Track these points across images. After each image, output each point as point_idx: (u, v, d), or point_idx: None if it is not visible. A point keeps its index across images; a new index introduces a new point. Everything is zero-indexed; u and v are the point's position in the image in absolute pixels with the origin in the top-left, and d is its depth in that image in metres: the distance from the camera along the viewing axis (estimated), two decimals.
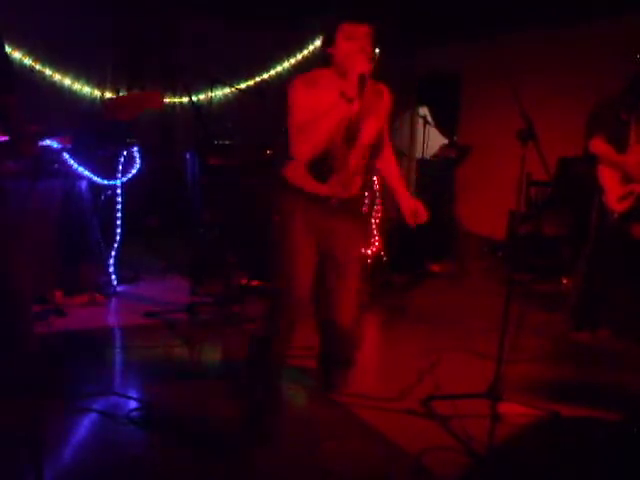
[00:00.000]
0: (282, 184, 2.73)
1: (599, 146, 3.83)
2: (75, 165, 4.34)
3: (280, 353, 2.88)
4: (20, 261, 2.69)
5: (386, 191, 5.67)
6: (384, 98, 2.68)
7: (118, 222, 4.67)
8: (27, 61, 6.15)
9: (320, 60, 2.60)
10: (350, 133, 2.55)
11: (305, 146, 2.48)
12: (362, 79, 2.35)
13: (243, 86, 7.33)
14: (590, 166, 3.93)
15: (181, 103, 7.22)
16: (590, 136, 3.84)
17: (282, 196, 2.75)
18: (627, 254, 3.91)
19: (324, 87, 2.48)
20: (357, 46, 2.40)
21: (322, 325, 2.96)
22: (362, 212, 2.97)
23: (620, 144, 3.80)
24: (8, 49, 5.85)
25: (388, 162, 2.90)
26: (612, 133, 3.79)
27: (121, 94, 6.44)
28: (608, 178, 3.85)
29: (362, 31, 2.44)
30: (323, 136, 2.44)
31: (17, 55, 6.05)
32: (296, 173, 2.64)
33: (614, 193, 3.83)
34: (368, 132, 2.61)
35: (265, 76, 7.66)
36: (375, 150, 2.77)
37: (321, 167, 2.56)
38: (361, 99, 2.42)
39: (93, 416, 2.73)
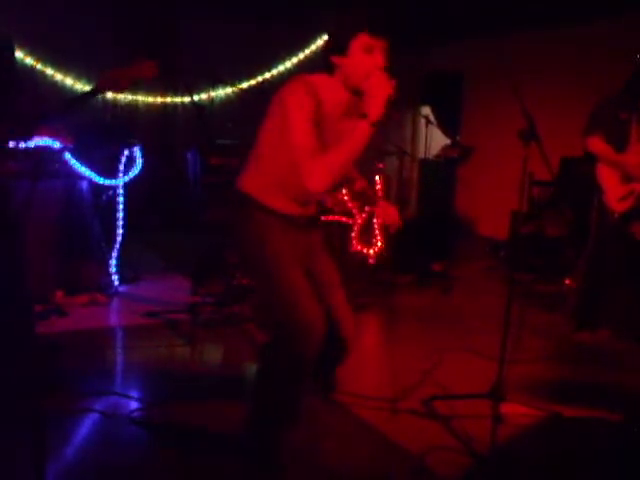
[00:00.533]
0: (248, 204, 2.37)
1: (597, 145, 3.82)
2: (76, 165, 4.34)
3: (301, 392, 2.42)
4: (24, 261, 2.69)
5: (387, 192, 5.67)
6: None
7: (119, 222, 4.67)
8: (28, 61, 6.16)
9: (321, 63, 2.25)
10: None
11: (326, 177, 2.09)
12: (389, 104, 2.02)
13: (245, 86, 7.33)
14: (590, 166, 3.92)
15: (182, 103, 7.22)
16: (587, 134, 3.84)
17: (252, 219, 2.36)
18: (628, 254, 3.90)
19: (330, 102, 2.18)
20: (377, 61, 2.12)
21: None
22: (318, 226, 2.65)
23: (619, 143, 3.79)
24: None
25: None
26: (611, 132, 3.78)
27: (119, 96, 6.44)
28: (607, 178, 3.84)
29: (382, 45, 2.14)
30: (347, 165, 2.13)
31: (19, 55, 6.05)
32: (264, 190, 2.33)
33: (614, 193, 3.82)
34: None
35: (267, 75, 7.66)
36: None
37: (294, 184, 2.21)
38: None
39: (94, 416, 2.73)
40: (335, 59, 2.17)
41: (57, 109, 2.72)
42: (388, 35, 2.15)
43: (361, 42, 2.13)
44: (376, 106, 2.02)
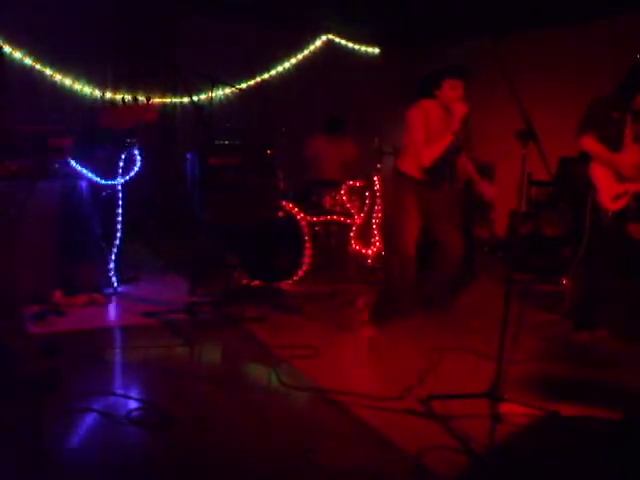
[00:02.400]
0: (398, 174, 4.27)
1: (590, 143, 3.83)
2: (76, 165, 4.34)
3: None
4: (13, 261, 2.71)
5: (385, 191, 5.68)
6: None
7: (118, 222, 4.67)
8: (28, 61, 6.16)
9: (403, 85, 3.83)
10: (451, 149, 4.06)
11: (429, 157, 4.02)
12: (464, 119, 3.96)
13: (244, 86, 7.34)
14: (585, 165, 3.93)
15: (182, 103, 7.23)
16: (581, 134, 3.84)
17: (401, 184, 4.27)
18: (625, 254, 3.91)
19: (433, 115, 4.04)
20: (458, 94, 3.94)
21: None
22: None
23: (613, 144, 3.80)
24: (8, 49, 5.90)
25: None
26: (604, 132, 3.79)
27: (117, 97, 6.44)
28: (601, 177, 3.85)
29: (461, 83, 3.96)
30: (439, 154, 4.01)
31: (17, 55, 6.06)
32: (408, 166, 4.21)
33: (607, 192, 3.83)
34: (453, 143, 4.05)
35: (266, 76, 7.66)
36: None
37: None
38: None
39: (93, 416, 2.73)
40: (435, 91, 4.03)
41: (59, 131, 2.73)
42: (464, 78, 3.97)
43: (449, 83, 3.97)
44: (455, 122, 3.93)
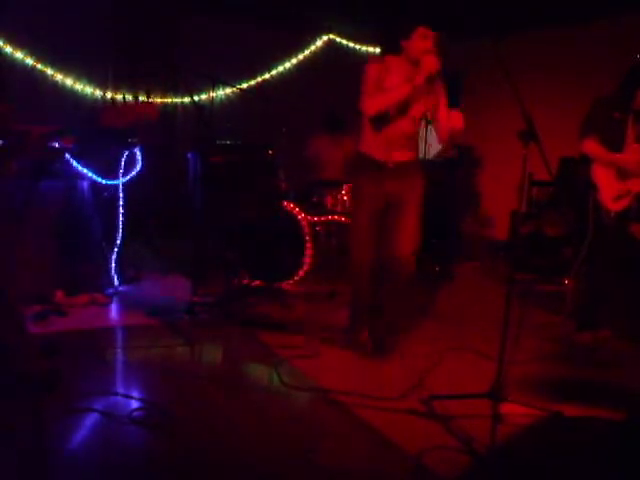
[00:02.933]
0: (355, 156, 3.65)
1: (592, 147, 3.84)
2: (77, 165, 4.34)
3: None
4: (14, 261, 2.70)
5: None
6: (437, 92, 3.49)
7: (119, 222, 4.67)
8: (29, 61, 6.16)
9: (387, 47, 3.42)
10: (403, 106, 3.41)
11: (375, 105, 3.34)
12: (430, 76, 3.29)
13: (244, 86, 7.33)
14: (587, 165, 3.93)
15: (182, 103, 7.23)
16: (583, 137, 3.85)
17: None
18: (627, 254, 3.91)
19: (395, 70, 3.40)
20: (428, 45, 3.32)
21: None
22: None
23: (615, 144, 3.80)
24: (9, 49, 5.90)
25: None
26: (606, 133, 3.79)
27: (118, 97, 6.44)
28: (602, 177, 3.85)
29: (433, 35, 3.35)
30: (388, 103, 3.34)
31: (19, 55, 6.06)
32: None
33: (609, 192, 3.83)
34: (417, 109, 3.47)
35: (266, 76, 7.66)
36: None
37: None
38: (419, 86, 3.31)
39: (94, 416, 2.73)
40: (402, 42, 3.40)
41: (62, 132, 2.73)
42: (436, 32, 3.37)
43: (420, 32, 3.35)
44: (420, 74, 3.27)
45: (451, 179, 7.86)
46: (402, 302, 3.74)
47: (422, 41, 3.32)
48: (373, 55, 3.71)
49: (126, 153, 4.58)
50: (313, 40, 7.93)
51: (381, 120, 3.41)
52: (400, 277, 3.55)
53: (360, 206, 3.58)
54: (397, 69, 3.41)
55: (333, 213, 5.66)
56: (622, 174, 3.82)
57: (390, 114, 3.40)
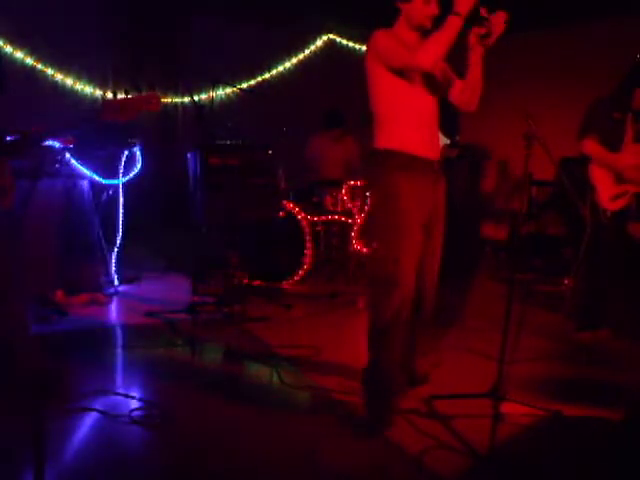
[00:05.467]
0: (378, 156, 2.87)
1: (591, 147, 3.85)
2: (77, 165, 4.34)
3: None
4: (14, 261, 2.70)
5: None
6: None
7: (119, 222, 4.68)
8: (29, 61, 6.15)
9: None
10: None
11: (429, 53, 2.61)
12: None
13: (245, 86, 7.33)
14: (585, 165, 3.94)
15: (182, 103, 7.23)
16: (582, 137, 3.86)
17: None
18: (626, 253, 3.91)
19: (407, 40, 2.77)
20: (432, 11, 2.75)
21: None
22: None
23: (614, 144, 3.81)
24: (9, 49, 5.89)
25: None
26: (605, 133, 3.80)
27: (119, 96, 6.43)
28: (600, 177, 3.86)
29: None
30: (444, 46, 2.61)
31: (19, 55, 6.05)
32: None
33: (606, 192, 3.84)
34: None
35: (267, 76, 7.66)
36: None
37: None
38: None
39: (94, 415, 2.73)
40: (400, 5, 2.78)
41: (59, 130, 2.71)
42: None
43: None
44: (465, 3, 2.58)
45: (450, 179, 7.84)
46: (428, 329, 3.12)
47: (425, 6, 2.75)
48: (376, 30, 2.74)
49: (126, 153, 4.59)
50: (313, 40, 7.93)
51: (411, 100, 2.80)
52: (429, 300, 3.03)
53: (401, 217, 2.74)
54: (409, 39, 2.79)
55: (333, 213, 5.66)
56: (620, 174, 3.83)
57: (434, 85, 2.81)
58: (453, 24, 2.58)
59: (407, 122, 2.80)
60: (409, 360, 3.01)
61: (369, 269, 3.18)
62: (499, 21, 2.73)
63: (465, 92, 2.89)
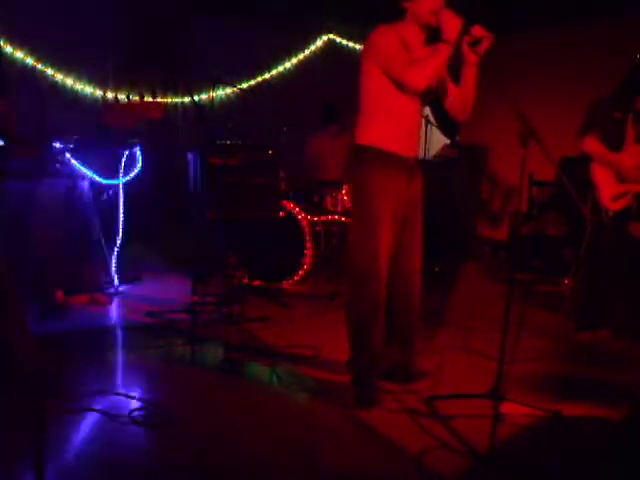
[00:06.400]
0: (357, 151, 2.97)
1: (592, 145, 3.85)
2: (77, 165, 4.35)
3: None
4: (14, 261, 2.71)
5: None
6: None
7: (120, 222, 4.68)
8: (29, 61, 6.15)
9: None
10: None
11: (420, 75, 2.71)
12: (462, 28, 2.71)
13: (244, 86, 7.33)
14: (586, 165, 3.94)
15: (183, 103, 7.23)
16: (583, 135, 3.86)
17: None
18: (627, 254, 3.91)
19: (410, 39, 2.83)
20: (439, 3, 2.76)
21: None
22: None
23: (614, 143, 3.81)
24: (9, 49, 5.89)
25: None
26: (605, 132, 3.80)
27: (120, 98, 6.44)
28: (602, 176, 3.86)
29: None
30: (433, 71, 2.73)
31: (19, 55, 6.05)
32: None
33: (608, 191, 3.84)
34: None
35: (267, 76, 7.66)
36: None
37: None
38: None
39: (94, 416, 2.73)
40: (406, 4, 2.83)
41: (59, 132, 2.72)
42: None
43: None
44: (450, 31, 2.69)
45: (450, 179, 7.87)
46: (417, 324, 3.18)
47: (431, 1, 2.76)
48: (380, 26, 2.83)
49: (126, 153, 4.59)
50: (313, 40, 7.93)
51: (396, 103, 2.85)
52: (415, 296, 3.09)
53: (375, 210, 2.87)
54: (413, 38, 2.85)
55: (333, 213, 5.66)
56: (620, 173, 3.83)
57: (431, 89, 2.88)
58: (442, 51, 2.73)
59: (385, 119, 2.88)
60: (403, 355, 3.16)
61: (345, 263, 3.26)
62: (483, 34, 2.78)
63: (458, 99, 2.97)
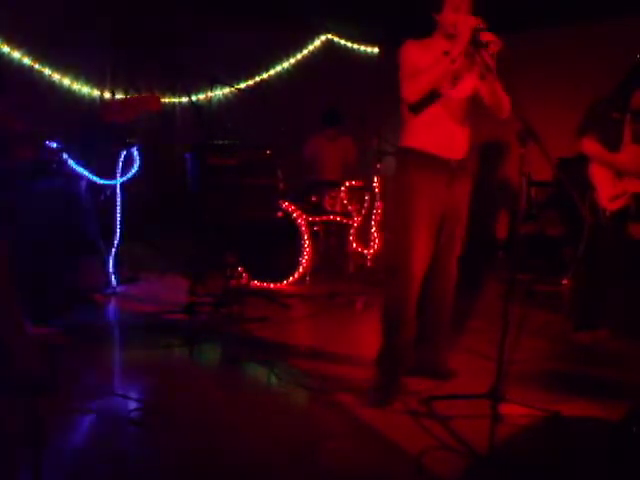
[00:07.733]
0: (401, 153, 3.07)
1: (590, 146, 3.85)
2: (74, 165, 4.33)
3: None
4: (12, 261, 2.70)
5: (385, 192, 5.67)
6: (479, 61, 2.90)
7: (117, 222, 4.67)
8: (26, 60, 6.14)
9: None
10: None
11: (414, 88, 2.84)
12: (475, 32, 2.73)
13: (243, 86, 7.33)
14: (584, 164, 3.94)
15: (181, 103, 7.22)
16: (581, 135, 3.86)
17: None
18: (625, 254, 3.91)
19: (431, 49, 2.91)
20: (462, 16, 2.81)
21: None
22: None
23: (612, 144, 3.81)
24: (6, 49, 5.88)
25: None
26: (604, 132, 3.81)
27: (118, 97, 6.43)
28: (600, 176, 3.87)
29: (466, 3, 2.87)
30: (428, 82, 2.82)
31: (16, 54, 6.04)
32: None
33: (605, 192, 3.84)
34: (464, 87, 2.97)
35: (265, 76, 7.66)
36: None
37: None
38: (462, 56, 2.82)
39: (93, 416, 2.73)
40: (435, 15, 2.93)
41: (56, 132, 2.72)
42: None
43: (450, 3, 2.87)
44: (458, 42, 2.74)
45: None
46: (448, 325, 3.25)
47: (453, 14, 2.85)
48: (407, 40, 2.97)
49: (124, 153, 4.57)
50: (312, 40, 7.93)
51: (426, 104, 2.91)
52: (448, 299, 3.16)
53: (411, 210, 2.93)
54: (434, 47, 2.92)
55: (331, 213, 5.66)
56: (619, 174, 3.83)
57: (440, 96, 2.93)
58: (442, 65, 2.81)
59: (423, 123, 2.96)
60: (432, 354, 3.24)
61: (384, 258, 3.47)
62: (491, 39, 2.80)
63: (489, 99, 3.03)
